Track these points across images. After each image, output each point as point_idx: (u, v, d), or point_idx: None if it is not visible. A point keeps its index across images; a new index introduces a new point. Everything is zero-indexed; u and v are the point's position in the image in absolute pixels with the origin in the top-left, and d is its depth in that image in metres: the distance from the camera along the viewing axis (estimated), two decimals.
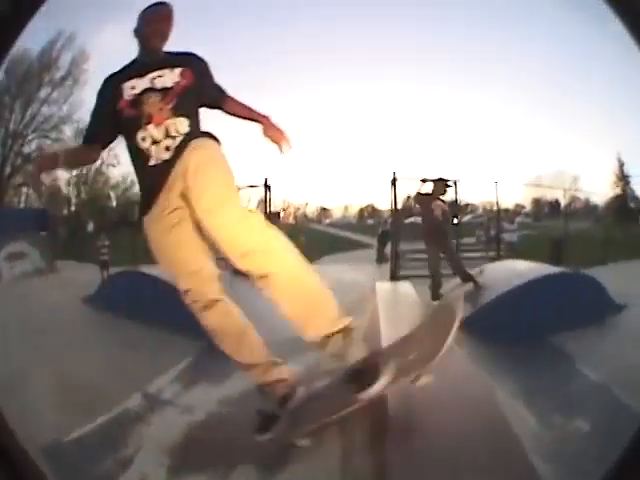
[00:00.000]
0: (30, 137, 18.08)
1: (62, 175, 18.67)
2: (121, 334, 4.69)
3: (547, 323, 4.04)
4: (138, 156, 2.01)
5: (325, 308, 1.89)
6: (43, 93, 18.26)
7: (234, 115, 2.19)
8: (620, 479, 1.07)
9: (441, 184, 6.11)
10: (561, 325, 4.16)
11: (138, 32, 2.12)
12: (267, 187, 9.70)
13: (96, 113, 2.14)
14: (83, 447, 2.60)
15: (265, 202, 9.49)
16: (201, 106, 2.15)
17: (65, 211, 18.26)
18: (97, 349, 4.33)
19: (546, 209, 24.42)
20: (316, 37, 27.28)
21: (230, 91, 2.23)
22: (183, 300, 2.02)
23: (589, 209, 23.05)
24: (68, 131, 18.84)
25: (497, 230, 10.93)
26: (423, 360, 1.62)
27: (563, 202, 19.91)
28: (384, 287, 4.44)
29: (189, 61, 2.13)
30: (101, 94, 2.13)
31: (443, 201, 6.04)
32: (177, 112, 1.98)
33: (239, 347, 2.04)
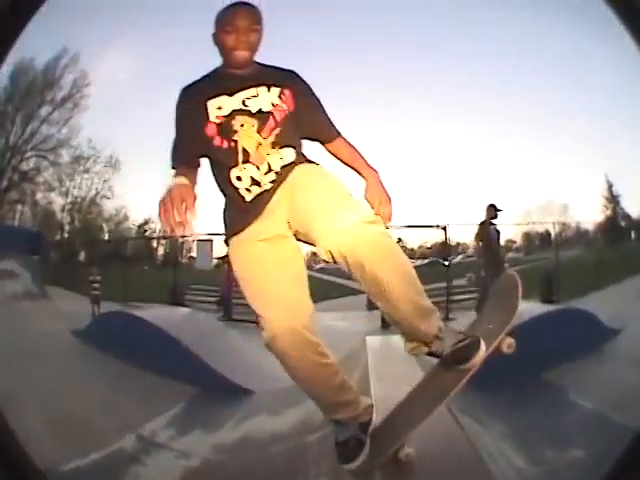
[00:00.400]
0: (28, 154, 18.29)
1: (57, 199, 18.71)
2: (111, 373, 4.65)
3: (538, 363, 4.04)
4: (230, 191, 1.72)
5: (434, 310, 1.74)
6: (44, 111, 18.62)
7: (336, 157, 1.83)
8: None
9: (492, 209, 7.23)
10: (553, 362, 4.14)
11: (216, 38, 1.68)
12: None
13: (180, 132, 1.76)
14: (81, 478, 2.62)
15: None
16: (301, 137, 1.79)
17: (58, 236, 18.20)
18: (87, 383, 4.31)
19: (537, 242, 24.58)
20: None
21: None
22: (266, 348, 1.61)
23: (580, 235, 23.24)
24: (65, 155, 19.09)
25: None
26: (500, 328, 1.72)
27: (553, 232, 20.08)
28: (374, 342, 4.47)
29: (289, 80, 1.75)
30: (181, 108, 1.74)
31: (494, 224, 7.25)
32: (279, 144, 1.68)
33: (339, 392, 1.74)
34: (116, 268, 12.33)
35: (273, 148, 1.66)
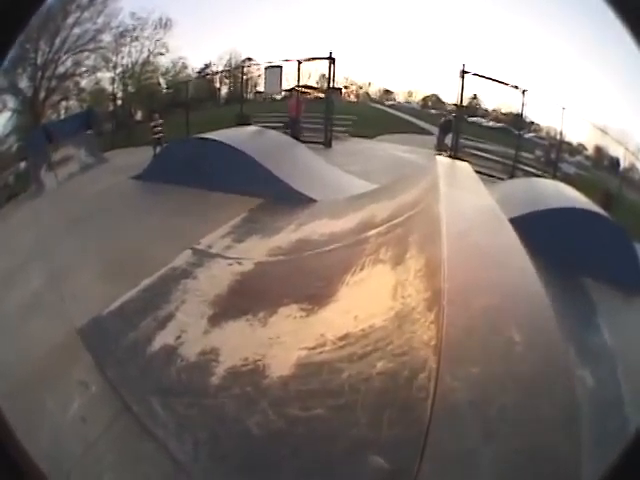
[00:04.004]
0: (64, 58, 17.50)
1: (104, 75, 18.16)
2: (173, 201, 4.69)
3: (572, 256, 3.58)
4: None
5: None
6: (71, 19, 17.18)
7: None
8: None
9: None
10: (584, 267, 3.67)
11: None
12: (331, 60, 9.38)
13: None
14: (123, 315, 2.65)
15: (329, 76, 9.39)
16: None
17: (111, 107, 18.09)
18: (147, 219, 4.33)
19: (605, 162, 21.63)
20: None
21: None
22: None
23: None
24: (107, 37, 18.04)
25: (557, 156, 10.17)
26: None
27: (622, 164, 17.44)
28: (444, 161, 4.14)
29: None
30: None
31: None
32: None
33: None
34: (177, 113, 12.09)
35: None
